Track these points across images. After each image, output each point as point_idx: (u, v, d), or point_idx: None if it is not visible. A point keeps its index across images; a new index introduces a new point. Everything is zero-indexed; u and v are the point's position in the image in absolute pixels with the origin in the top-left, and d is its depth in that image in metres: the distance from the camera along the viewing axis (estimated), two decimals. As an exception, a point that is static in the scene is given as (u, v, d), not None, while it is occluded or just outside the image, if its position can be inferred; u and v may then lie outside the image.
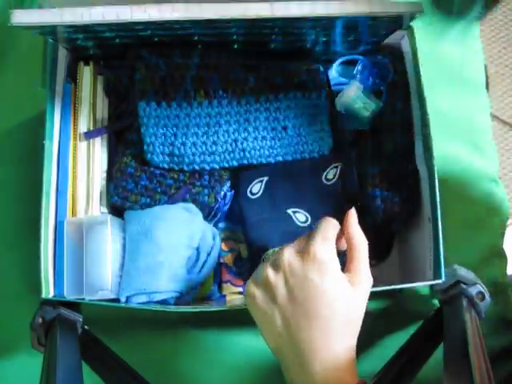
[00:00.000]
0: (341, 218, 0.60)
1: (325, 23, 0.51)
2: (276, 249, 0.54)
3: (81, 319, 0.55)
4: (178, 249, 0.54)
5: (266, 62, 0.57)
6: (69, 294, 0.53)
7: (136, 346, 0.62)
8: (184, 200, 0.57)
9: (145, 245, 0.54)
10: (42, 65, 0.54)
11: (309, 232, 0.46)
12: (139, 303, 0.53)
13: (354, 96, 0.59)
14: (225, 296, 0.60)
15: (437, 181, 0.54)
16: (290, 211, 0.59)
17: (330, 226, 0.46)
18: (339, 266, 0.44)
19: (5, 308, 0.63)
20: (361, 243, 0.46)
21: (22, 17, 0.45)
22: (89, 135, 0.57)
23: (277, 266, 0.44)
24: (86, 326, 0.56)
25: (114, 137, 0.59)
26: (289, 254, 0.44)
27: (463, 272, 0.58)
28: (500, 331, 0.65)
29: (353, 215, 0.48)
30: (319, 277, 0.42)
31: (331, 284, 0.42)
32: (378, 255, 0.63)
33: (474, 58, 0.72)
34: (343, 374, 0.41)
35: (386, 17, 0.49)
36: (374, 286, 0.53)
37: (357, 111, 0.59)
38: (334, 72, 0.60)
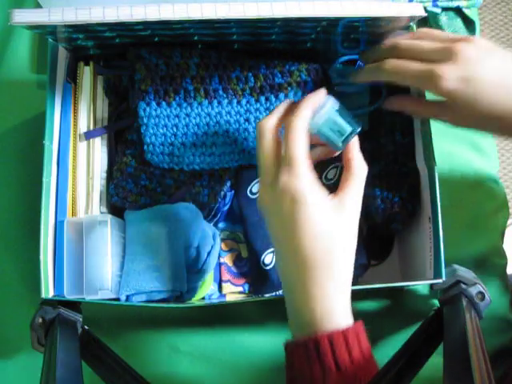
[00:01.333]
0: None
1: (325, 24, 0.51)
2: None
3: (81, 319, 0.55)
4: (178, 248, 0.54)
5: (266, 61, 0.57)
6: (69, 294, 0.53)
7: (136, 345, 0.62)
8: (184, 200, 0.57)
9: (144, 244, 0.54)
10: (41, 65, 0.54)
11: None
12: (139, 302, 0.53)
13: (327, 116, 0.47)
14: (225, 296, 0.60)
15: (437, 181, 0.54)
16: (290, 211, 0.59)
17: (298, 142, 0.44)
18: (316, 189, 0.44)
19: (5, 308, 0.63)
20: (359, 166, 0.46)
21: (22, 17, 0.45)
22: (89, 135, 0.57)
23: (259, 203, 0.46)
24: (85, 326, 0.56)
25: (114, 137, 0.59)
26: (262, 191, 0.46)
27: (463, 272, 0.58)
28: (500, 331, 0.65)
29: (356, 141, 0.47)
30: (293, 210, 0.43)
31: (307, 214, 0.43)
32: (378, 255, 0.63)
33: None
34: (336, 319, 0.42)
35: (386, 18, 0.49)
36: (373, 285, 0.54)
37: (326, 135, 0.48)
38: (334, 72, 0.60)
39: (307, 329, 0.43)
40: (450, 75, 0.45)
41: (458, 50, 0.45)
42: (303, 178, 0.43)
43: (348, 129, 0.47)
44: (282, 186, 0.43)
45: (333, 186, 0.59)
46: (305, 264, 0.43)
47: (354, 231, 0.45)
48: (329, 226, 0.43)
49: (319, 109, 0.47)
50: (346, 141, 0.47)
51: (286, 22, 0.48)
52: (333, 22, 0.50)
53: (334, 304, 0.43)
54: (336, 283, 0.43)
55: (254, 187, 0.59)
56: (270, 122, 0.46)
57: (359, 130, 0.48)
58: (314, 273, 0.43)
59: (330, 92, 0.58)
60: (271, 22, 0.48)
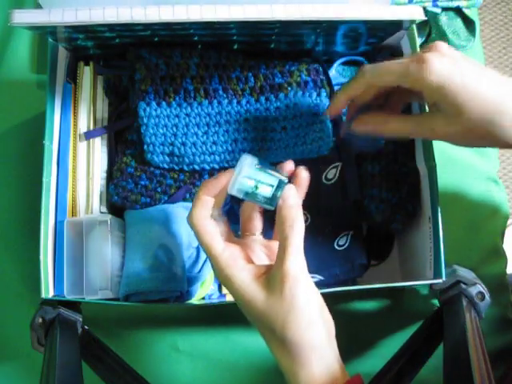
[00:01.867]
0: (341, 217, 0.60)
1: (325, 25, 0.51)
2: None
3: (81, 319, 0.55)
4: (178, 248, 0.54)
5: (266, 61, 0.57)
6: (69, 294, 0.53)
7: (136, 345, 0.62)
8: (184, 199, 0.57)
9: (144, 244, 0.54)
10: (41, 65, 0.54)
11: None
12: (139, 301, 0.53)
13: (243, 176, 0.43)
14: (225, 296, 0.60)
15: (437, 181, 0.54)
16: (289, 211, 0.59)
17: (202, 233, 0.43)
18: (242, 272, 0.41)
19: (5, 308, 0.63)
20: (292, 226, 0.40)
21: (22, 17, 0.45)
22: (89, 135, 0.57)
23: None
24: (85, 326, 0.56)
25: (114, 137, 0.59)
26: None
27: (463, 272, 0.58)
28: (500, 331, 0.65)
29: (289, 195, 0.42)
30: (230, 289, 0.42)
31: (239, 296, 0.41)
32: (378, 255, 0.63)
33: (474, 58, 0.71)
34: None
35: (386, 22, 0.49)
36: (373, 285, 0.54)
37: (251, 195, 0.43)
38: (334, 72, 0.60)
39: None
40: (437, 60, 0.42)
41: (426, 57, 0.42)
42: (220, 269, 0.42)
43: (271, 185, 0.42)
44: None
45: (333, 187, 0.59)
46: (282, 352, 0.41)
47: (304, 303, 0.40)
48: (268, 310, 0.40)
49: (236, 174, 0.43)
50: (274, 199, 0.43)
51: (286, 23, 0.48)
52: (333, 24, 0.50)
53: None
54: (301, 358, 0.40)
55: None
56: (197, 215, 0.43)
57: (285, 182, 0.43)
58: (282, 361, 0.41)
59: (331, 92, 0.59)
60: (271, 24, 0.48)
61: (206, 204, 0.43)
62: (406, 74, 0.43)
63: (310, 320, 0.40)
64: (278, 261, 0.40)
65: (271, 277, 0.40)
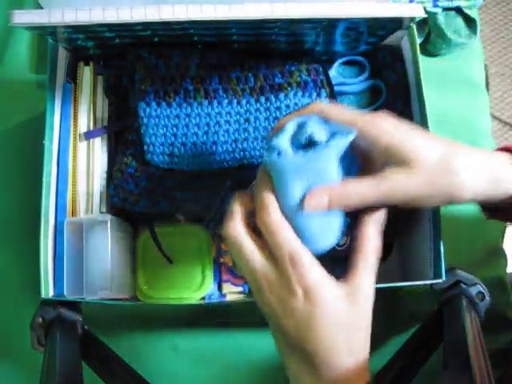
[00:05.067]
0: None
1: (325, 24, 0.51)
2: None
3: (81, 319, 0.55)
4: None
5: (266, 61, 0.57)
6: (69, 294, 0.53)
7: (136, 345, 0.62)
8: (184, 201, 0.58)
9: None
10: (41, 65, 0.54)
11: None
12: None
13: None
14: (225, 296, 0.60)
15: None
16: (290, 211, 0.59)
17: (281, 236, 0.38)
18: (326, 282, 0.38)
19: (5, 308, 0.63)
20: (372, 249, 0.40)
21: (22, 17, 0.45)
22: (89, 135, 0.57)
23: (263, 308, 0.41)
24: (85, 326, 0.56)
25: (114, 137, 0.59)
26: (262, 298, 0.39)
27: (463, 272, 0.58)
28: (500, 331, 0.65)
29: (376, 214, 0.40)
30: (308, 310, 0.37)
31: (323, 313, 0.38)
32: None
33: (474, 58, 0.72)
34: None
35: (386, 19, 0.49)
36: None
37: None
38: (334, 72, 0.60)
39: None
40: (386, 116, 0.39)
41: None
42: (310, 271, 0.37)
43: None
44: (290, 286, 0.37)
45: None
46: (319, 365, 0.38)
47: (369, 318, 0.41)
48: (345, 319, 0.39)
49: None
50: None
51: (286, 22, 0.48)
52: (333, 23, 0.50)
53: None
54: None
55: (254, 187, 0.59)
56: (236, 227, 0.39)
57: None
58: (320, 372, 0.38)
59: (331, 92, 0.58)
60: (271, 23, 0.48)
61: (270, 201, 0.39)
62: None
63: (365, 331, 0.42)
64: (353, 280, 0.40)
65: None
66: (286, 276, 0.37)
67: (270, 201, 0.38)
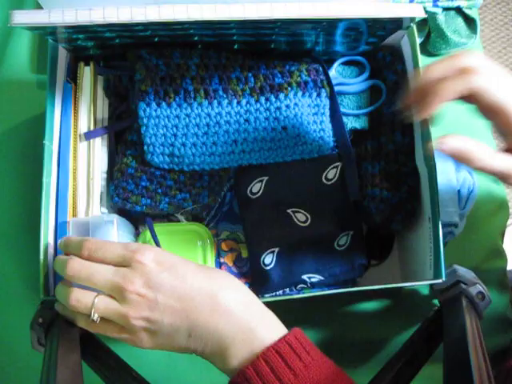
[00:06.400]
0: (341, 217, 0.60)
1: (325, 25, 0.51)
2: None
3: (81, 319, 0.55)
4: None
5: (266, 62, 0.57)
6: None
7: (136, 346, 0.62)
8: (184, 201, 0.58)
9: None
10: (41, 65, 0.54)
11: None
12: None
13: None
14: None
15: (437, 181, 0.54)
16: (289, 211, 0.59)
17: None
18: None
19: (5, 308, 0.63)
20: None
21: (22, 17, 0.45)
22: (89, 135, 0.57)
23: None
24: (86, 326, 0.56)
25: (114, 137, 0.59)
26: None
27: (463, 272, 0.58)
28: (500, 331, 0.65)
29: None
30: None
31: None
32: (377, 255, 0.63)
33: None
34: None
35: (386, 19, 0.49)
36: (374, 285, 0.54)
37: None
38: (334, 72, 0.60)
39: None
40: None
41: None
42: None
43: None
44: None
45: (333, 187, 0.59)
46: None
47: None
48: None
49: None
50: None
51: (286, 22, 0.48)
52: (333, 23, 0.50)
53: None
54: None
55: (254, 187, 0.59)
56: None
57: None
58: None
59: (331, 92, 0.58)
60: (271, 23, 0.48)
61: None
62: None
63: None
64: None
65: None
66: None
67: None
